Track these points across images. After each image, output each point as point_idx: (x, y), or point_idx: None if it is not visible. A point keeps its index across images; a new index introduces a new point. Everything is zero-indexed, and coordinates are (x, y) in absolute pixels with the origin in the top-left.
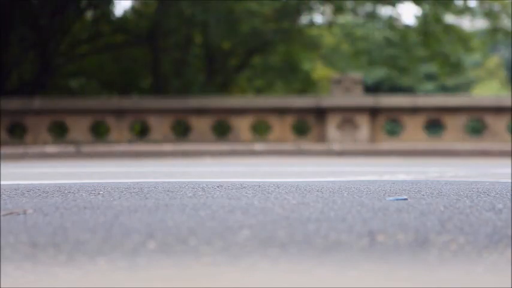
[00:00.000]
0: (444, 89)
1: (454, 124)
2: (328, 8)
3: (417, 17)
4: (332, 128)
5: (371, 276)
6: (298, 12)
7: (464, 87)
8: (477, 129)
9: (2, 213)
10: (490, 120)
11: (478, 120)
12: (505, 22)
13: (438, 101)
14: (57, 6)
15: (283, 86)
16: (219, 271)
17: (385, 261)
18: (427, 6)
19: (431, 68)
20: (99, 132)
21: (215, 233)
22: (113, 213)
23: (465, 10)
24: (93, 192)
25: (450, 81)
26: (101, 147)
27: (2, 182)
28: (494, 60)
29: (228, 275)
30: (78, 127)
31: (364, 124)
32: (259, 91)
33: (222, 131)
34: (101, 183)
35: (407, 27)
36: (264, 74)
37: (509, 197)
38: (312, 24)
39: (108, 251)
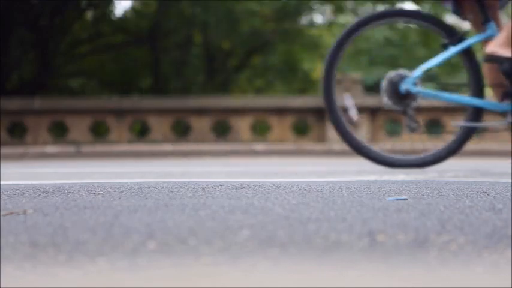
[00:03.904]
0: (444, 89)
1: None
2: (328, 8)
3: None
4: (332, 128)
5: (371, 276)
6: (298, 12)
7: (464, 87)
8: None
9: (2, 213)
10: (489, 120)
11: None
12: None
13: (438, 101)
14: (57, 6)
15: (283, 86)
16: (219, 271)
17: (385, 261)
18: (427, 6)
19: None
20: (99, 132)
21: (215, 233)
22: (113, 213)
23: None
24: (93, 192)
25: (450, 81)
26: (101, 147)
27: (2, 182)
28: None
29: (228, 275)
30: (78, 127)
31: (364, 124)
32: (259, 91)
33: (222, 131)
34: (101, 183)
35: (407, 27)
36: (264, 74)
37: (509, 197)
38: (312, 24)
39: (108, 251)
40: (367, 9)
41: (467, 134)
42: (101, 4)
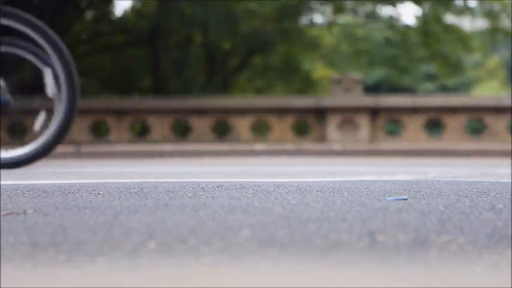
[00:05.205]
0: (444, 89)
1: (454, 124)
2: (328, 8)
3: (417, 17)
4: (332, 128)
5: (371, 276)
6: (298, 12)
7: (464, 87)
8: (477, 129)
9: (2, 213)
10: (490, 120)
11: (478, 120)
12: (505, 22)
13: (438, 101)
14: (57, 6)
15: (283, 86)
16: (219, 271)
17: (385, 261)
18: (427, 6)
19: (431, 68)
20: (99, 132)
21: (215, 233)
22: (113, 213)
23: (465, 10)
24: (93, 192)
25: (450, 81)
26: (101, 147)
27: (2, 182)
28: (494, 60)
29: (228, 275)
30: (79, 127)
31: (364, 124)
32: (259, 91)
33: (222, 131)
34: (101, 183)
35: (407, 27)
36: (264, 74)
37: (509, 197)
38: (312, 24)
39: (108, 251)
40: (367, 9)
41: None
42: (100, 4)
